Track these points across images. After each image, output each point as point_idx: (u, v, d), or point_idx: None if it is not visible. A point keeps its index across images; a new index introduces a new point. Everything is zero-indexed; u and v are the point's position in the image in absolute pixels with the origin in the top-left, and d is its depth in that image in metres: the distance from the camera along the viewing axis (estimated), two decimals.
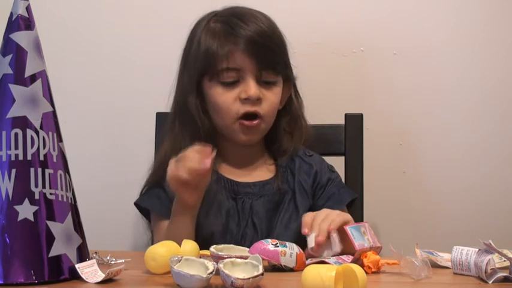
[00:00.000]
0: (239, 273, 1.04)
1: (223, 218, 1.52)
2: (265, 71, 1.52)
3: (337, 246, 1.24)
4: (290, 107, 1.62)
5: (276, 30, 1.56)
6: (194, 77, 1.54)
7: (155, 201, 1.55)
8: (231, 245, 1.21)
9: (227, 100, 1.51)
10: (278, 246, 1.17)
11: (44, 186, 1.06)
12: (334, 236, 1.24)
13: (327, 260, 1.19)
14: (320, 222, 1.30)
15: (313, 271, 1.01)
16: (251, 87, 1.50)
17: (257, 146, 1.60)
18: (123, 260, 1.21)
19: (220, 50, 1.50)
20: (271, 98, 1.54)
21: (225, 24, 1.53)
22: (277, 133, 1.60)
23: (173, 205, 1.42)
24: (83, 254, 1.11)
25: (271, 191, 1.56)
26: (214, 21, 1.55)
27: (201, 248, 1.24)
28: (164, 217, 1.50)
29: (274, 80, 1.54)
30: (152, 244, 1.49)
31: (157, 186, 1.55)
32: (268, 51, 1.52)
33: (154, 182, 1.56)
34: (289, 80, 1.59)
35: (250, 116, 1.52)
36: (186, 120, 1.56)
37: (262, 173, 1.60)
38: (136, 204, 1.58)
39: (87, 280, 1.06)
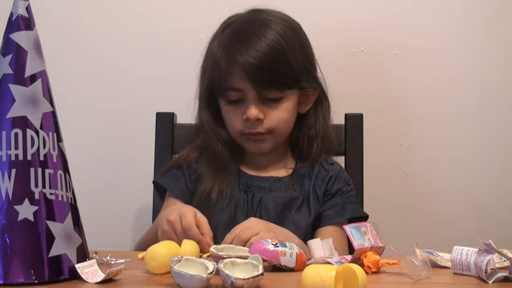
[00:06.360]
0: (239, 273, 1.04)
1: (231, 208, 1.54)
2: (266, 91, 1.52)
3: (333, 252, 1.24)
4: (316, 112, 1.61)
5: (284, 46, 1.53)
6: (208, 90, 1.59)
7: (171, 181, 1.60)
8: (231, 245, 1.21)
9: (232, 118, 1.55)
10: (278, 246, 1.16)
11: (44, 186, 1.06)
12: (330, 243, 1.24)
13: (328, 260, 1.19)
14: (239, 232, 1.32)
15: (313, 271, 1.01)
16: (250, 109, 1.52)
17: (280, 149, 1.62)
18: (123, 260, 1.21)
19: (223, 72, 1.53)
20: (277, 115, 1.54)
21: (225, 48, 1.54)
22: (301, 138, 1.61)
23: (156, 229, 1.44)
24: (83, 254, 1.10)
25: (282, 188, 1.57)
26: (219, 40, 1.57)
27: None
28: (177, 196, 1.58)
29: (279, 96, 1.54)
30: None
31: (176, 167, 1.60)
32: (268, 73, 1.51)
33: (174, 164, 1.62)
34: (307, 89, 1.58)
35: (254, 133, 1.54)
36: (204, 130, 1.61)
37: (279, 171, 1.61)
38: (154, 182, 1.64)
39: (87, 280, 1.06)
